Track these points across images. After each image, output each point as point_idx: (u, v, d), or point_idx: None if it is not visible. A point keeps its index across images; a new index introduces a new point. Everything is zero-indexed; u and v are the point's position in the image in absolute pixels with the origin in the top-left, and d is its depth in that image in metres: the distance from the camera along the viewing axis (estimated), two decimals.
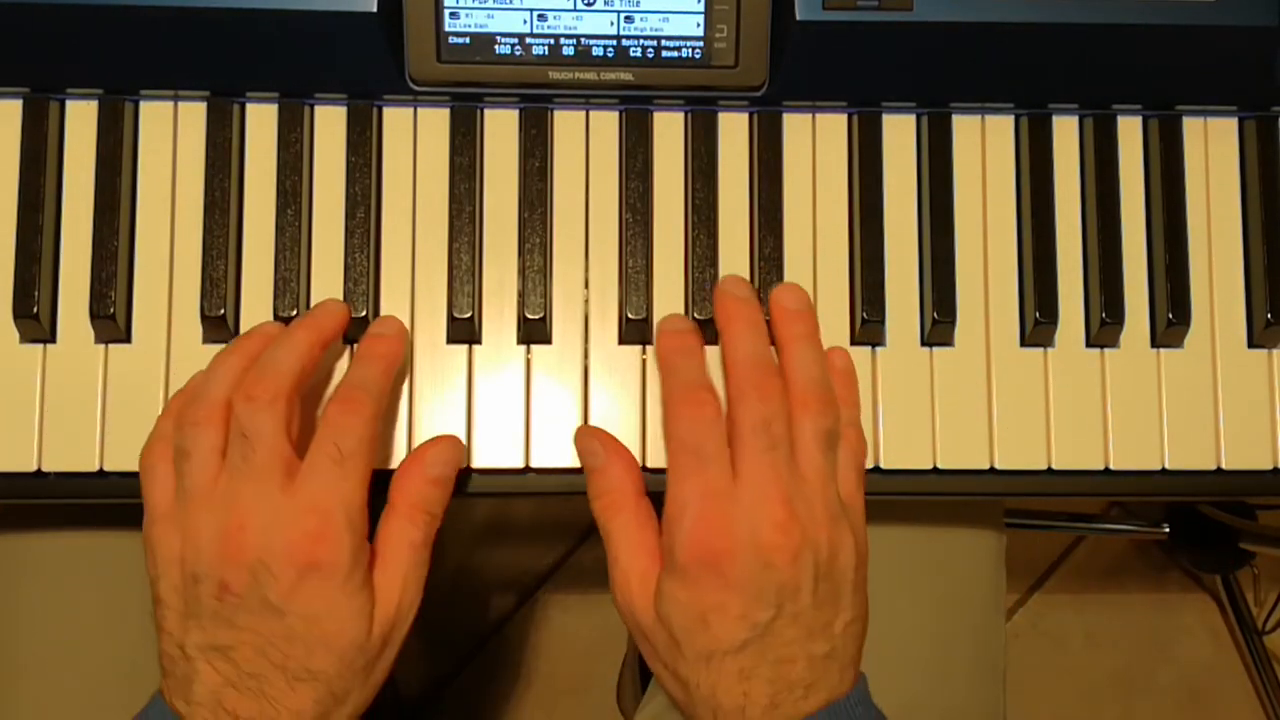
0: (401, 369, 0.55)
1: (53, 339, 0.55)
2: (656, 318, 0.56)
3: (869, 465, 0.56)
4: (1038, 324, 0.57)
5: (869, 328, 0.56)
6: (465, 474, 0.55)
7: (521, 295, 0.56)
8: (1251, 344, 0.58)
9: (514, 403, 0.56)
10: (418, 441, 0.55)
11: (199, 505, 0.48)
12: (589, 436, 0.53)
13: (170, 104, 0.56)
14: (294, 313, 0.54)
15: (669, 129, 0.57)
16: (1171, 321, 0.57)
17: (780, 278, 0.56)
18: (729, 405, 0.51)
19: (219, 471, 0.49)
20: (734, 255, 0.57)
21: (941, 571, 0.66)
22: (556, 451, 0.55)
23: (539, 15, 0.54)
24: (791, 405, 0.51)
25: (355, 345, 0.55)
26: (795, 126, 0.58)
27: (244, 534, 0.47)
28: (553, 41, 0.54)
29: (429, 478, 0.52)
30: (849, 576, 0.50)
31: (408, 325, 0.56)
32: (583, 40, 0.55)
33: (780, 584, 0.48)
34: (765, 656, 0.49)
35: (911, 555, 0.64)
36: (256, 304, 0.55)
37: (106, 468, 0.54)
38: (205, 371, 0.51)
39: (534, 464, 0.55)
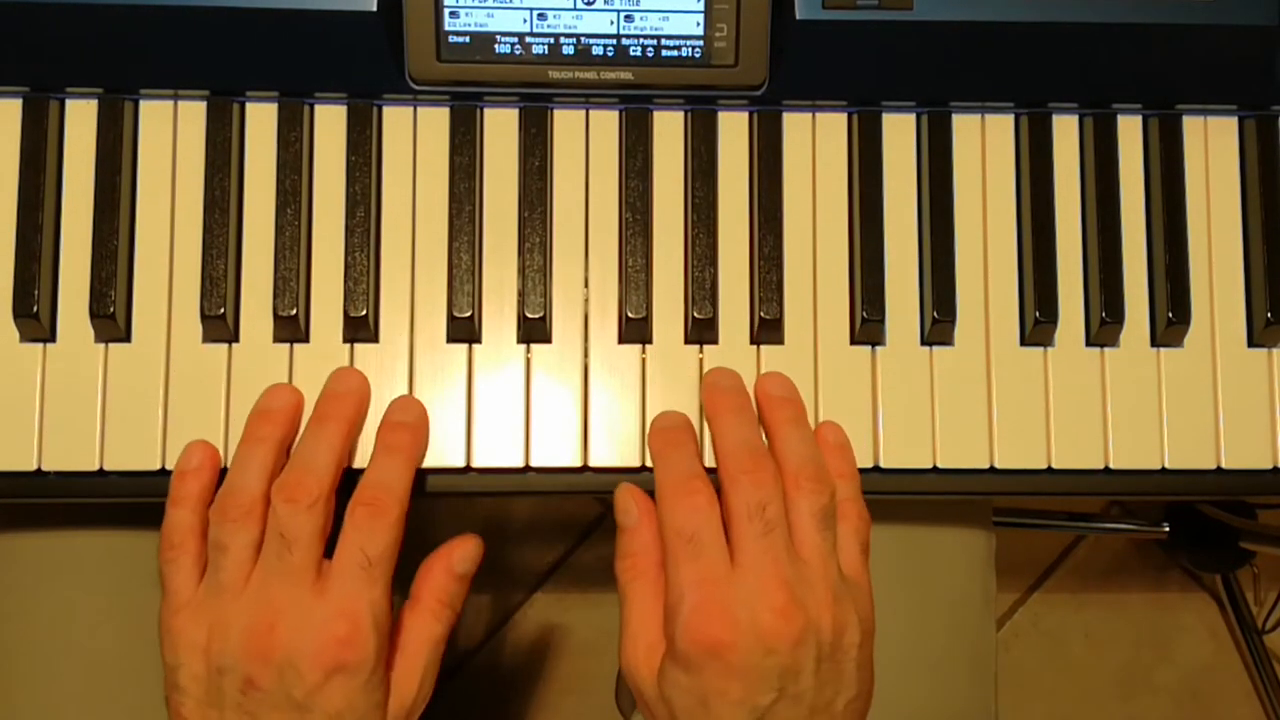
0: (421, 458, 0.54)
1: (52, 338, 0.55)
2: (656, 316, 0.56)
3: (869, 465, 0.56)
4: (1038, 323, 0.57)
5: (869, 327, 0.56)
6: (465, 473, 0.55)
7: (521, 294, 0.56)
8: (1251, 343, 0.58)
9: (514, 402, 0.56)
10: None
11: (230, 599, 0.49)
12: (627, 496, 0.54)
13: (170, 103, 0.56)
14: (294, 312, 0.54)
15: (669, 128, 0.57)
16: (1171, 320, 0.57)
17: (780, 277, 0.56)
18: (723, 493, 0.51)
19: (253, 568, 0.50)
20: (734, 254, 0.57)
21: (930, 571, 0.66)
22: (556, 451, 0.55)
23: (539, 14, 0.54)
24: (785, 487, 0.51)
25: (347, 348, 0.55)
26: (795, 125, 0.58)
27: (274, 634, 0.48)
28: (552, 41, 0.54)
29: (456, 574, 0.53)
30: (852, 655, 0.50)
31: (407, 324, 0.56)
32: (582, 39, 0.55)
33: (783, 669, 0.49)
34: None
35: (899, 555, 0.64)
36: (256, 303, 0.55)
37: (106, 467, 0.54)
38: (237, 462, 0.51)
39: (534, 463, 0.55)
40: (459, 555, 0.53)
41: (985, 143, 0.58)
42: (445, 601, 0.53)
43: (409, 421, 0.54)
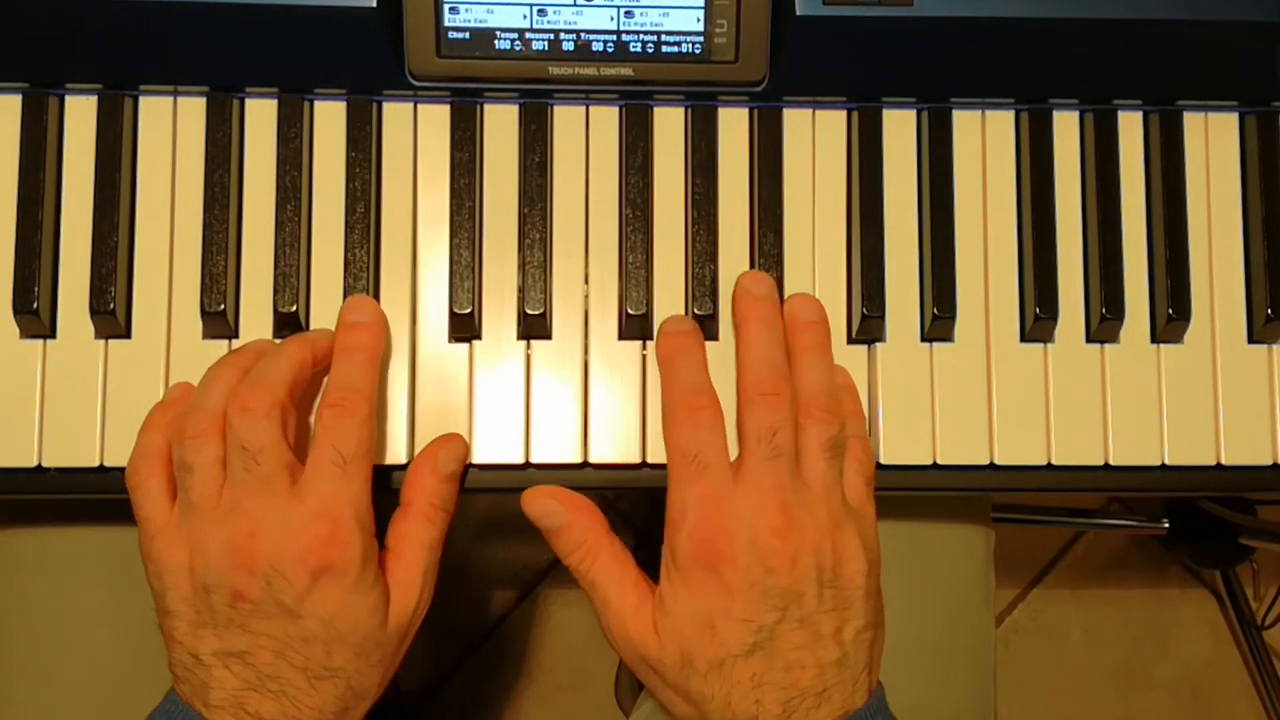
0: (386, 355, 0.54)
1: (53, 335, 0.55)
2: (656, 313, 0.56)
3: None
4: (1038, 319, 0.57)
5: (869, 323, 0.56)
6: (465, 469, 0.55)
7: (521, 291, 0.56)
8: (1251, 339, 0.58)
9: (514, 398, 0.56)
10: (419, 436, 0.55)
11: (205, 517, 0.49)
12: (542, 497, 0.53)
13: (170, 99, 0.56)
14: (293, 308, 0.55)
15: (669, 124, 0.57)
16: (1171, 317, 0.57)
17: (780, 274, 0.56)
18: (739, 408, 0.52)
19: (223, 483, 0.49)
20: (734, 251, 0.57)
21: (929, 567, 0.66)
22: (557, 447, 0.55)
23: (539, 10, 0.54)
24: (798, 413, 0.51)
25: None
26: (795, 122, 0.58)
27: (255, 542, 0.48)
28: (552, 36, 0.54)
29: (443, 476, 0.53)
30: (858, 583, 0.50)
31: (408, 321, 0.56)
32: (583, 35, 0.54)
33: (783, 588, 0.49)
34: (774, 662, 0.49)
35: (899, 551, 0.64)
36: (256, 300, 0.55)
37: (107, 463, 0.54)
38: (200, 385, 0.51)
39: (534, 459, 0.55)
40: (444, 456, 0.53)
41: (985, 139, 0.58)
42: (436, 504, 0.52)
43: (364, 320, 0.53)
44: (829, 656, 0.49)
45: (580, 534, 0.52)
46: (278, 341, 0.55)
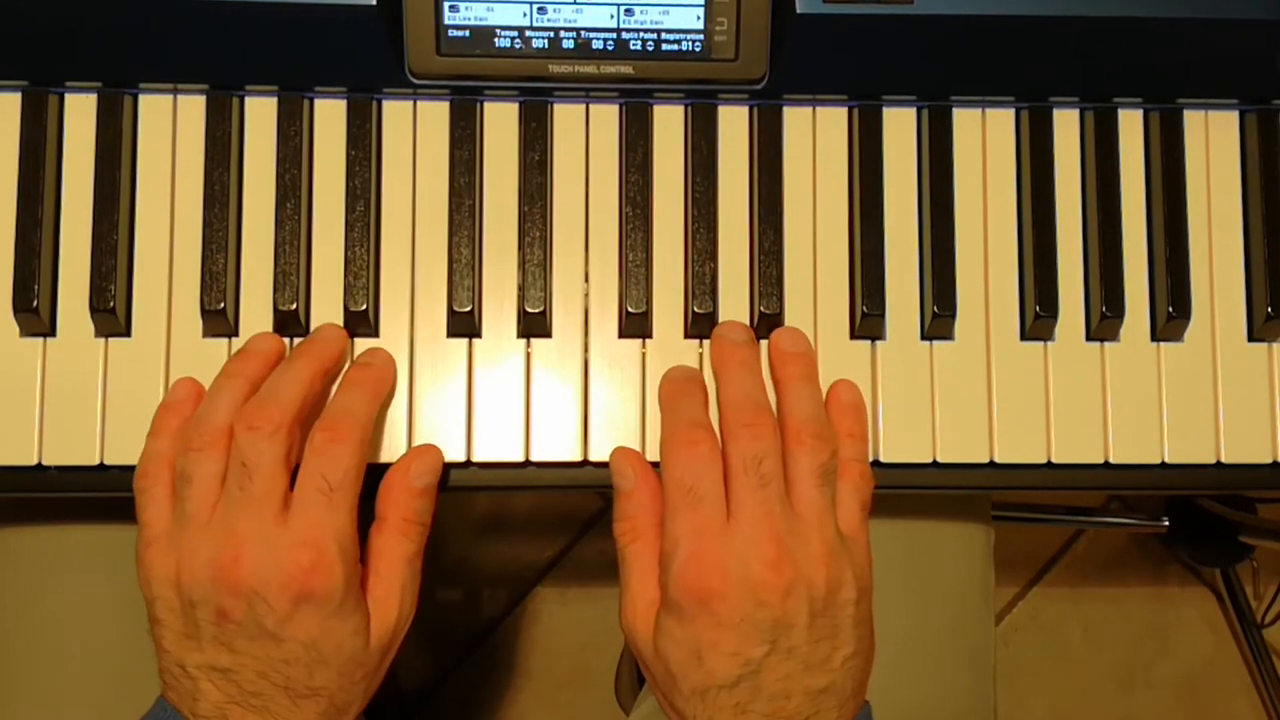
0: (389, 397, 0.55)
1: (53, 333, 0.55)
2: (656, 311, 0.56)
3: (869, 459, 0.56)
4: (1038, 317, 0.57)
5: (869, 321, 0.56)
6: (465, 467, 0.55)
7: (521, 289, 0.56)
8: (1251, 338, 0.58)
9: (514, 396, 0.56)
10: (418, 434, 0.55)
11: (196, 531, 0.49)
12: (624, 459, 0.54)
13: (169, 97, 0.56)
14: (293, 307, 0.55)
15: (669, 122, 0.57)
16: (1171, 315, 0.57)
17: (780, 271, 0.56)
18: (723, 445, 0.51)
19: (218, 498, 0.49)
20: (734, 249, 0.57)
21: (929, 566, 0.66)
22: (556, 445, 0.55)
23: (539, 8, 0.54)
24: (787, 442, 0.51)
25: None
26: (795, 120, 0.58)
27: (238, 565, 0.48)
28: (552, 34, 0.54)
29: (416, 489, 0.53)
30: (849, 611, 0.50)
31: (407, 318, 0.56)
32: (583, 33, 0.54)
33: (774, 621, 0.49)
34: (760, 692, 0.49)
35: (899, 550, 0.64)
36: (256, 298, 0.55)
37: (107, 462, 0.54)
38: (207, 396, 0.52)
39: (534, 457, 0.56)
40: (416, 469, 0.53)
41: (986, 137, 0.58)
42: (410, 519, 0.52)
43: (373, 362, 0.54)
44: (816, 685, 0.49)
45: (635, 507, 0.53)
46: (283, 339, 0.55)
